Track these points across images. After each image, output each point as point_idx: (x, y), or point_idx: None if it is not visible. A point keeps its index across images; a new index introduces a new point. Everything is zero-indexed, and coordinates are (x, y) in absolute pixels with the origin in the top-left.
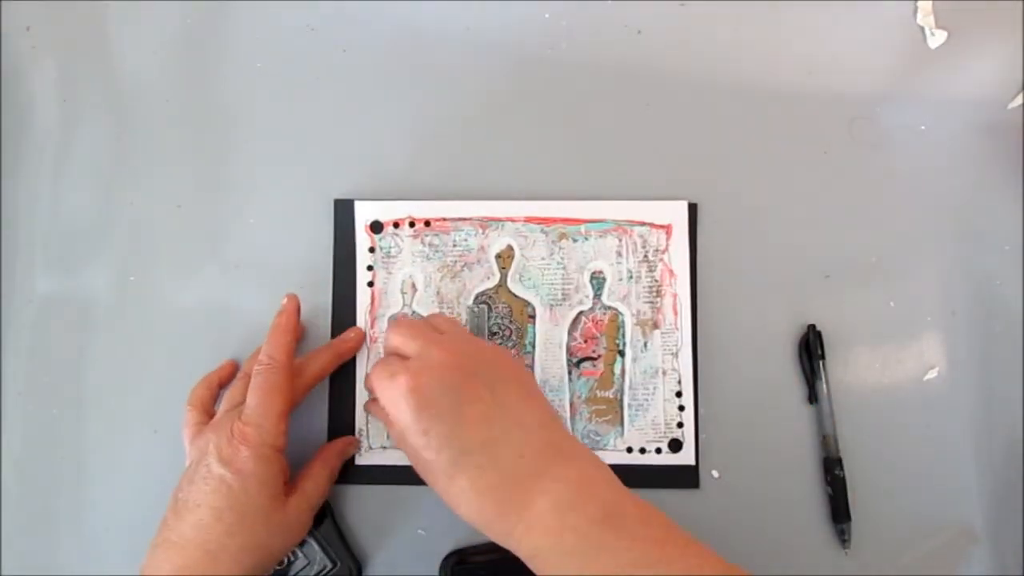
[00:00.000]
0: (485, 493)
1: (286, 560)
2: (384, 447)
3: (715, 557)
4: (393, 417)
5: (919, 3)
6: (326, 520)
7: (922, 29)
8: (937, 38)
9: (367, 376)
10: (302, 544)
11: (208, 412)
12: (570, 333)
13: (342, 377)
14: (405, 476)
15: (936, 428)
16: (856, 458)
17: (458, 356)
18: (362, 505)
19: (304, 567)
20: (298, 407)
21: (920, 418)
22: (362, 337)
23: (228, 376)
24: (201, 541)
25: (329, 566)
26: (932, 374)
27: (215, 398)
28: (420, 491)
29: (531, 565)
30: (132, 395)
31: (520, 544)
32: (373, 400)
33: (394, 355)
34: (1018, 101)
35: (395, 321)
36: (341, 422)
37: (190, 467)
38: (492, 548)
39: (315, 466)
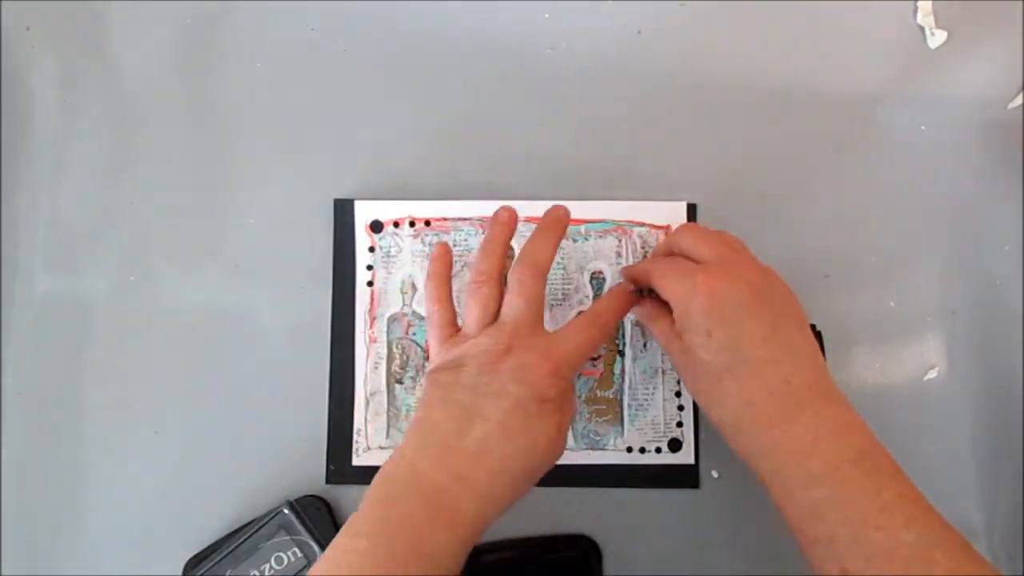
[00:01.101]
0: (747, 405)
1: (286, 560)
2: (383, 447)
3: (954, 530)
4: (680, 311)
5: (919, 3)
6: (326, 520)
7: (922, 29)
8: (937, 38)
9: (648, 268)
10: (302, 544)
11: (455, 309)
12: None
13: (342, 377)
14: None
15: (936, 428)
16: None
17: (754, 274)
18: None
19: (304, 567)
20: (297, 407)
21: (920, 418)
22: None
23: (451, 265)
24: (484, 457)
25: None
26: (932, 374)
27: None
28: None
29: (770, 486)
30: (132, 395)
31: (763, 458)
32: (647, 297)
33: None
34: (1018, 101)
35: (687, 226)
36: (341, 422)
37: (464, 371)
38: (492, 548)
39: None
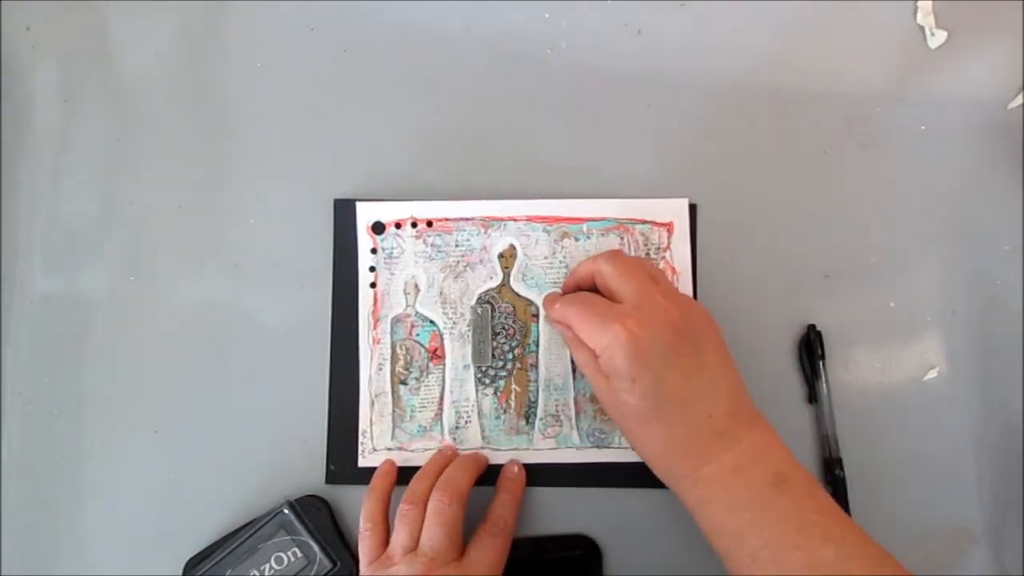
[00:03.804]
0: (673, 442)
1: (286, 560)
2: (388, 448)
3: (871, 541)
4: (603, 360)
5: (919, 3)
6: (327, 520)
7: (922, 29)
8: (937, 38)
9: (567, 312)
10: (302, 544)
11: (388, 530)
12: None
13: (344, 378)
14: (406, 477)
15: (936, 428)
16: (856, 458)
17: (674, 313)
18: (361, 505)
19: (304, 567)
20: (297, 407)
21: (920, 418)
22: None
23: (392, 485)
24: None
25: (329, 566)
26: (932, 374)
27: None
28: None
29: (695, 512)
30: (132, 395)
31: (690, 490)
32: (567, 329)
33: (597, 290)
34: (1018, 101)
35: (611, 254)
36: (342, 423)
37: None
38: None
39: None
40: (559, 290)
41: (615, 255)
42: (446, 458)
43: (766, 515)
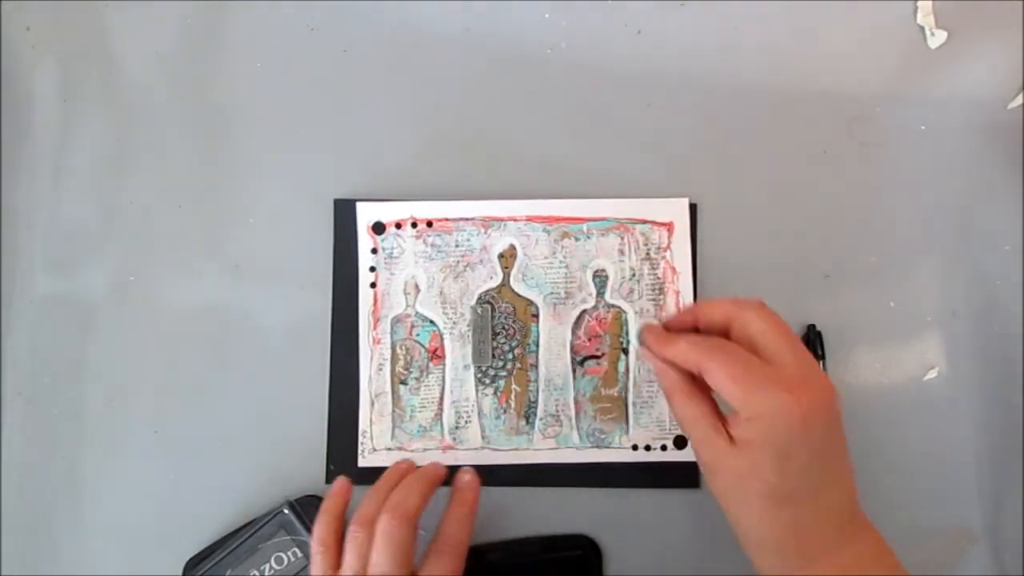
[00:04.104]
0: (797, 529)
1: (286, 560)
2: (388, 448)
3: None
4: (755, 427)
5: (919, 3)
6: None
7: (922, 29)
8: (937, 38)
9: (706, 360)
10: (302, 544)
11: (340, 552)
12: (574, 332)
13: (344, 378)
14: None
15: (936, 428)
16: (856, 458)
17: (830, 390)
18: None
19: (304, 567)
20: (297, 407)
21: (920, 418)
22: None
23: (345, 505)
24: None
25: None
26: (932, 374)
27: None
28: None
29: None
30: (132, 395)
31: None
32: (678, 373)
33: (741, 340)
34: (1018, 101)
35: (758, 304)
36: (342, 423)
37: None
38: (492, 548)
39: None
40: (650, 320)
41: (762, 307)
42: (400, 473)
43: None
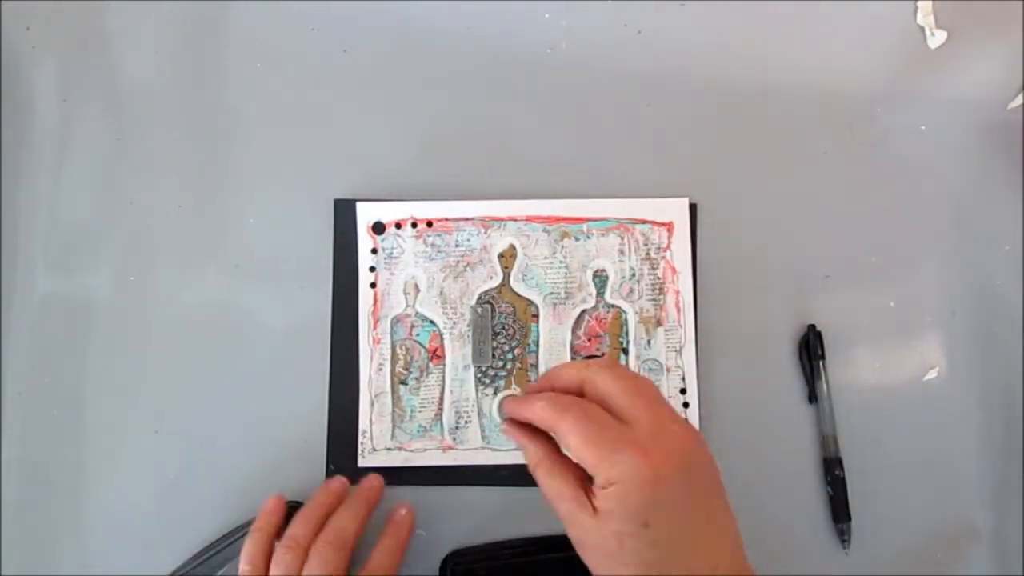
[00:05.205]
0: None
1: None
2: (388, 448)
3: None
4: (610, 493)
5: (919, 3)
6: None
7: (922, 29)
8: (937, 38)
9: (559, 423)
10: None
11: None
12: (574, 332)
13: (344, 378)
14: (406, 477)
15: (936, 428)
16: (856, 458)
17: (691, 446)
18: None
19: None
20: (297, 407)
21: (920, 418)
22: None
23: (279, 524)
24: None
25: None
26: (932, 374)
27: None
28: (420, 492)
29: None
30: (132, 395)
31: None
32: (533, 441)
33: (595, 401)
34: (1018, 101)
35: (609, 363)
36: (342, 423)
37: None
38: (492, 548)
39: None
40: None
41: (614, 365)
42: (331, 495)
43: None
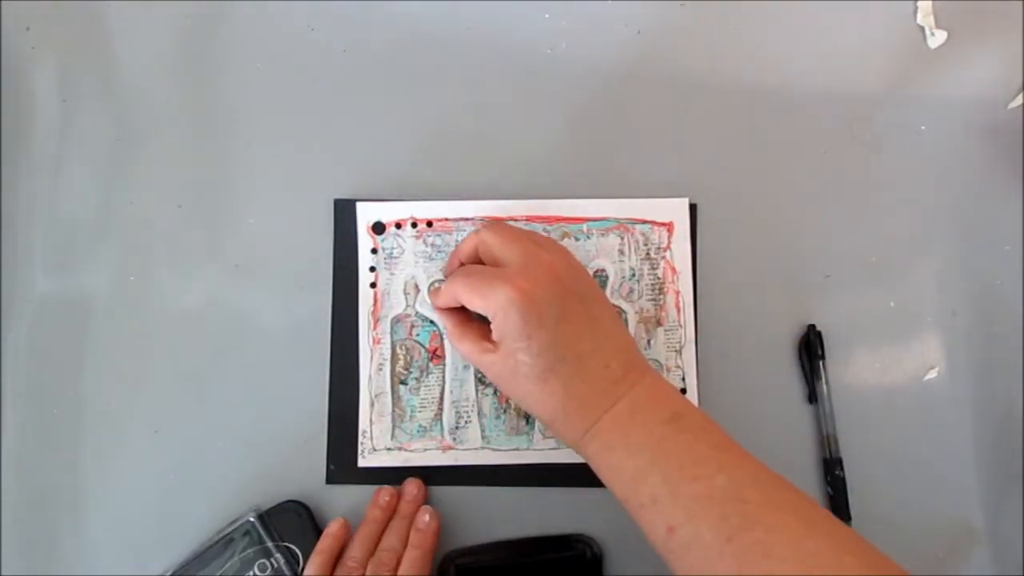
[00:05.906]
0: (571, 397)
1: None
2: (388, 448)
3: (766, 469)
4: (497, 323)
5: (919, 3)
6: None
7: (922, 29)
8: (937, 38)
9: (454, 288)
10: (266, 552)
11: None
12: None
13: (344, 378)
14: (405, 477)
15: (936, 428)
16: (856, 458)
17: (561, 268)
18: (362, 505)
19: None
20: (297, 408)
21: (920, 418)
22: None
23: (340, 547)
24: None
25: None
26: (932, 374)
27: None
28: None
29: (596, 464)
30: (132, 395)
31: (590, 443)
32: (451, 317)
33: (480, 259)
34: (1018, 101)
35: (492, 223)
36: (343, 423)
37: None
38: (492, 548)
39: None
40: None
41: (497, 224)
42: (383, 509)
43: (663, 452)
